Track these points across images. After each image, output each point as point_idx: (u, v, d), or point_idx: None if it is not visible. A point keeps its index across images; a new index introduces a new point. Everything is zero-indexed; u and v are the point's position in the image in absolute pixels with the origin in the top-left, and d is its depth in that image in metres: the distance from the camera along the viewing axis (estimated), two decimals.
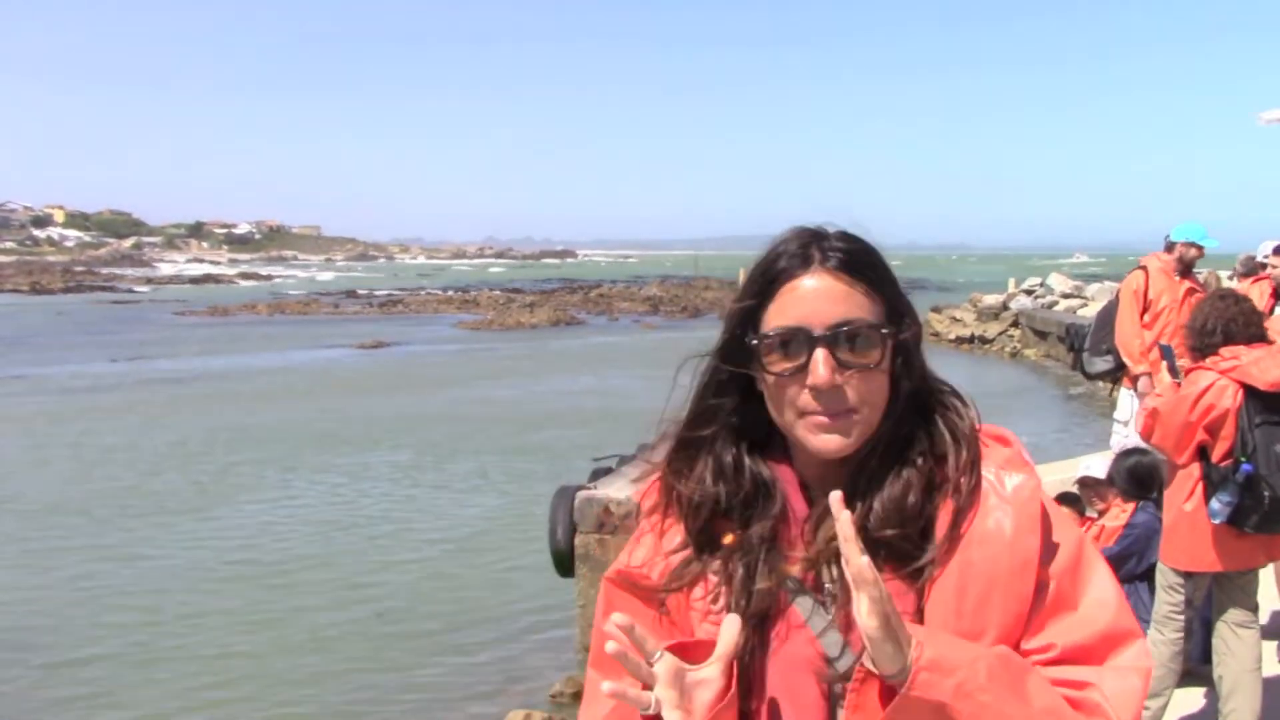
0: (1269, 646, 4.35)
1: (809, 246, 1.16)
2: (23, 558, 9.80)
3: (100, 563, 9.64)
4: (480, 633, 7.80)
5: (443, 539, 10.41)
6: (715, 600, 1.18)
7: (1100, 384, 8.21)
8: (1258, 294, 6.50)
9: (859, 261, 1.16)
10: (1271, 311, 6.15)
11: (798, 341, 1.12)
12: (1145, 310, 6.35)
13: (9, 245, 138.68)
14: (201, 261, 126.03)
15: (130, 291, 64.27)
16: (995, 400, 19.09)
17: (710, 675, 1.10)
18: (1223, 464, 3.72)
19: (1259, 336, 3.82)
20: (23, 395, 20.62)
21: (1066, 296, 28.39)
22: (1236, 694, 3.82)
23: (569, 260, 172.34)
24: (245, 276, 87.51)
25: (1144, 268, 6.51)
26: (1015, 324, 28.17)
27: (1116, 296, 6.68)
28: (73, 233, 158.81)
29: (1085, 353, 6.82)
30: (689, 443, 1.23)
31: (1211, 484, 3.74)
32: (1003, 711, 1.03)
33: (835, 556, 1.13)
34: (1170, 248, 6.45)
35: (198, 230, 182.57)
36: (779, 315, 1.15)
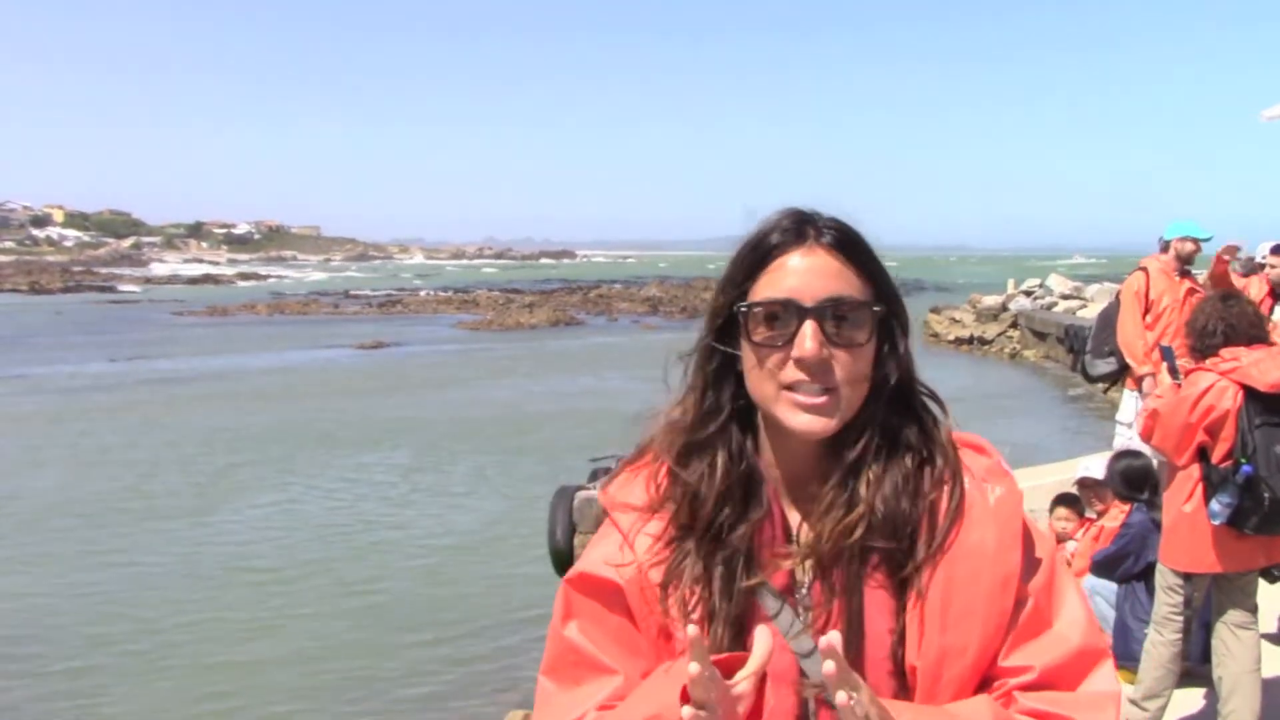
0: (1270, 648, 4.35)
1: (803, 224, 1.15)
2: (18, 561, 9.77)
3: (98, 567, 9.62)
4: (480, 633, 7.80)
5: (442, 540, 10.41)
6: (694, 605, 1.14)
7: (1100, 386, 8.21)
8: (1256, 289, 6.49)
9: (852, 242, 1.15)
10: (1271, 311, 6.15)
11: (787, 313, 1.11)
12: (1147, 311, 6.34)
13: (8, 245, 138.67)
14: (200, 261, 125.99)
15: (121, 292, 64.25)
16: (995, 401, 19.09)
17: (744, 690, 1.06)
18: (1223, 465, 3.72)
19: (1259, 338, 3.82)
20: (21, 395, 20.62)
21: (1066, 298, 28.41)
22: (1236, 695, 3.81)
23: (565, 261, 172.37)
24: (244, 277, 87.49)
25: (1144, 269, 6.50)
26: (1014, 325, 28.19)
27: (1117, 298, 6.67)
28: (72, 233, 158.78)
29: (1087, 356, 6.81)
30: (695, 445, 1.18)
31: (1211, 485, 3.74)
32: None
33: (812, 559, 1.12)
34: (1166, 247, 6.45)
35: (197, 230, 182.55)
36: (769, 288, 1.13)
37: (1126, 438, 6.43)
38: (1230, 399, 3.70)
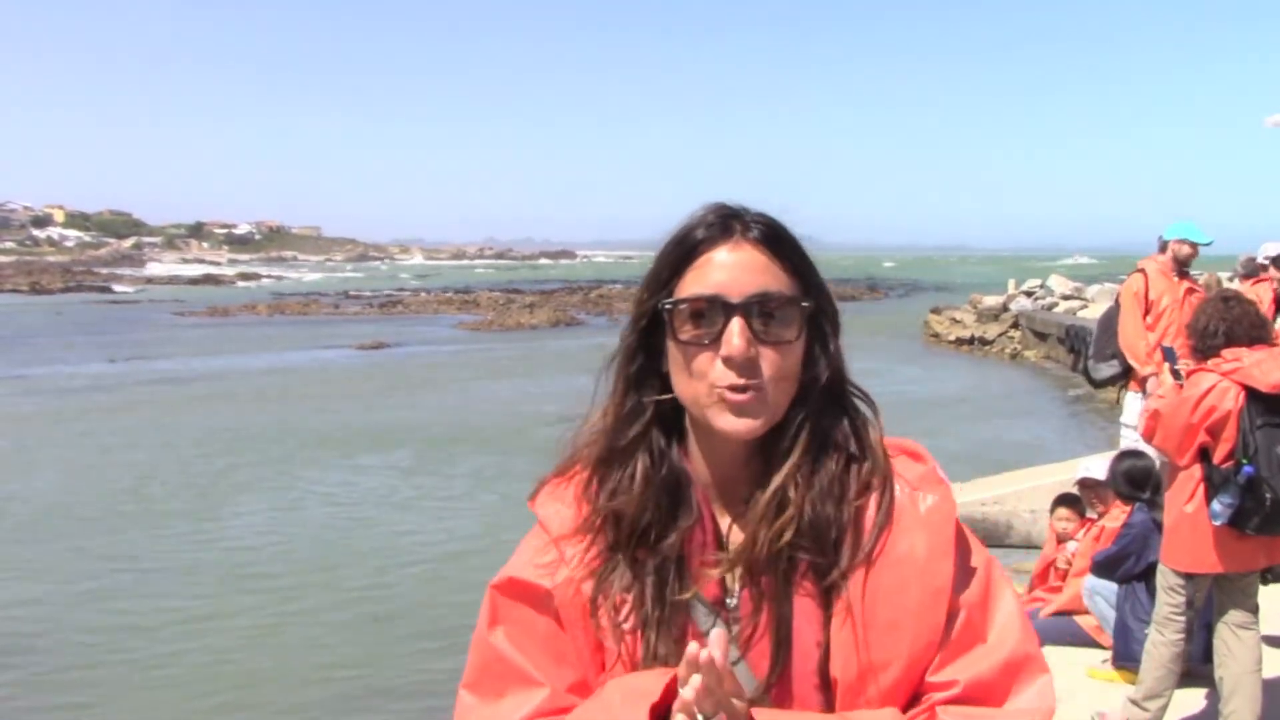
0: (1271, 649, 4.35)
1: (729, 219, 1.12)
2: (15, 565, 9.68)
3: (95, 570, 9.55)
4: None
5: (442, 543, 10.40)
6: (625, 614, 1.11)
7: (1100, 388, 8.20)
8: (1266, 294, 6.49)
9: (780, 238, 1.12)
10: (1274, 317, 6.14)
11: (714, 310, 1.07)
12: (1147, 312, 6.35)
13: (9, 245, 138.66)
14: (202, 262, 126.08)
15: (115, 292, 64.32)
16: (996, 402, 19.11)
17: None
18: (1224, 466, 3.72)
19: (1261, 338, 3.82)
20: (21, 395, 20.62)
21: (1066, 298, 28.44)
22: (1237, 695, 3.81)
23: (563, 261, 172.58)
24: (244, 277, 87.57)
25: (1143, 270, 6.51)
26: (1015, 325, 28.20)
27: (1117, 301, 6.68)
28: (73, 233, 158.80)
29: (1090, 360, 6.83)
30: (616, 450, 1.15)
31: (1213, 486, 3.74)
32: None
33: (741, 566, 1.09)
34: (1164, 248, 6.46)
35: (198, 231, 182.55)
36: (695, 284, 1.09)
37: (1131, 439, 6.43)
38: (1232, 399, 3.71)
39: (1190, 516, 3.82)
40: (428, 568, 9.59)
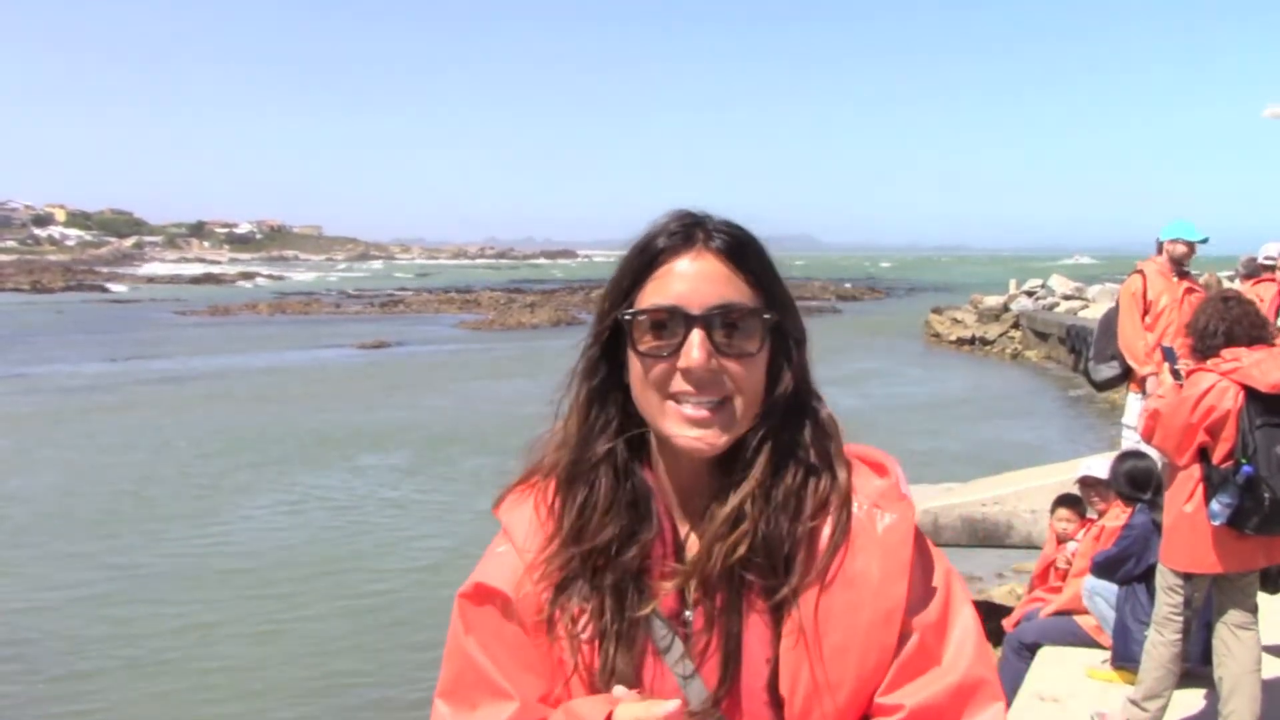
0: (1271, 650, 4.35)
1: (692, 228, 1.09)
2: (15, 565, 9.66)
3: (93, 570, 9.54)
4: None
5: (441, 543, 10.39)
6: (583, 626, 1.09)
7: (1104, 390, 8.22)
8: (1267, 294, 6.49)
9: (743, 248, 1.09)
10: (1278, 315, 6.15)
11: (674, 321, 1.05)
12: (1146, 312, 6.37)
13: (10, 244, 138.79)
14: (202, 261, 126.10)
15: (109, 291, 64.36)
16: (997, 402, 19.10)
17: None
18: (1223, 466, 3.72)
19: (1260, 338, 3.82)
20: (21, 395, 20.61)
21: (1067, 298, 28.44)
22: (1236, 695, 3.81)
23: (561, 261, 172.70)
24: (245, 276, 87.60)
25: (1141, 271, 6.54)
26: (1016, 325, 28.21)
27: (1117, 303, 6.70)
28: (74, 232, 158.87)
29: (1090, 362, 6.85)
30: (580, 463, 1.13)
31: (1212, 486, 3.74)
32: None
33: (696, 581, 1.07)
34: (1161, 248, 6.49)
35: (199, 230, 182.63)
36: (656, 294, 1.07)
37: (1133, 440, 6.45)
38: (1231, 399, 3.71)
39: (1189, 516, 3.82)
40: (426, 568, 9.58)
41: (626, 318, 1.08)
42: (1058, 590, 5.41)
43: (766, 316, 1.08)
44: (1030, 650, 5.03)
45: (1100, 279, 34.50)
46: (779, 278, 1.12)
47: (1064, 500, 5.70)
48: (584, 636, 1.09)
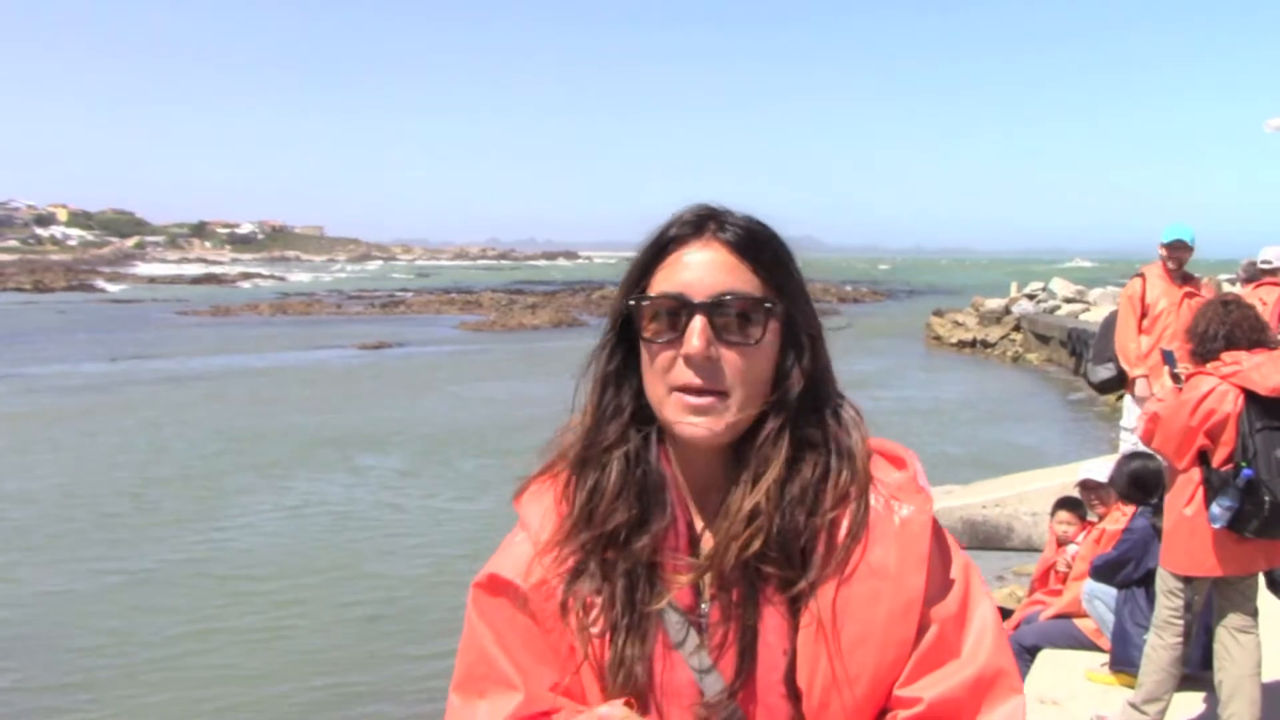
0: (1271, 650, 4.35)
1: (704, 219, 1.11)
2: (14, 567, 9.59)
3: (89, 573, 9.46)
4: None
5: (441, 545, 10.36)
6: (594, 617, 1.10)
7: (1105, 393, 8.25)
8: (1270, 297, 6.52)
9: (756, 241, 1.10)
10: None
11: (678, 309, 1.07)
12: (1144, 315, 6.41)
13: (12, 244, 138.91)
14: (203, 261, 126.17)
15: (96, 290, 64.39)
16: (998, 405, 19.09)
17: None
18: (1223, 469, 3.72)
19: (1260, 342, 3.82)
20: (21, 395, 20.60)
21: (1069, 301, 28.42)
22: (1236, 698, 3.82)
23: (560, 261, 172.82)
24: (245, 276, 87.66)
25: (1142, 274, 6.58)
26: (1017, 328, 28.18)
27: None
28: (76, 232, 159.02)
29: (1089, 363, 6.90)
30: (594, 451, 1.14)
31: (1212, 489, 3.74)
32: None
33: (711, 573, 1.08)
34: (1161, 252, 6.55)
35: (200, 230, 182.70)
36: (663, 282, 1.09)
37: (1131, 443, 6.47)
38: (1231, 403, 3.71)
39: (1189, 520, 3.82)
40: (426, 570, 9.54)
41: (633, 304, 1.11)
42: (1058, 593, 5.42)
43: (768, 306, 1.08)
44: (1030, 653, 5.04)
45: (1101, 282, 34.51)
46: (793, 272, 1.13)
47: (1064, 503, 5.70)
48: (594, 630, 1.10)
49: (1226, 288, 10.81)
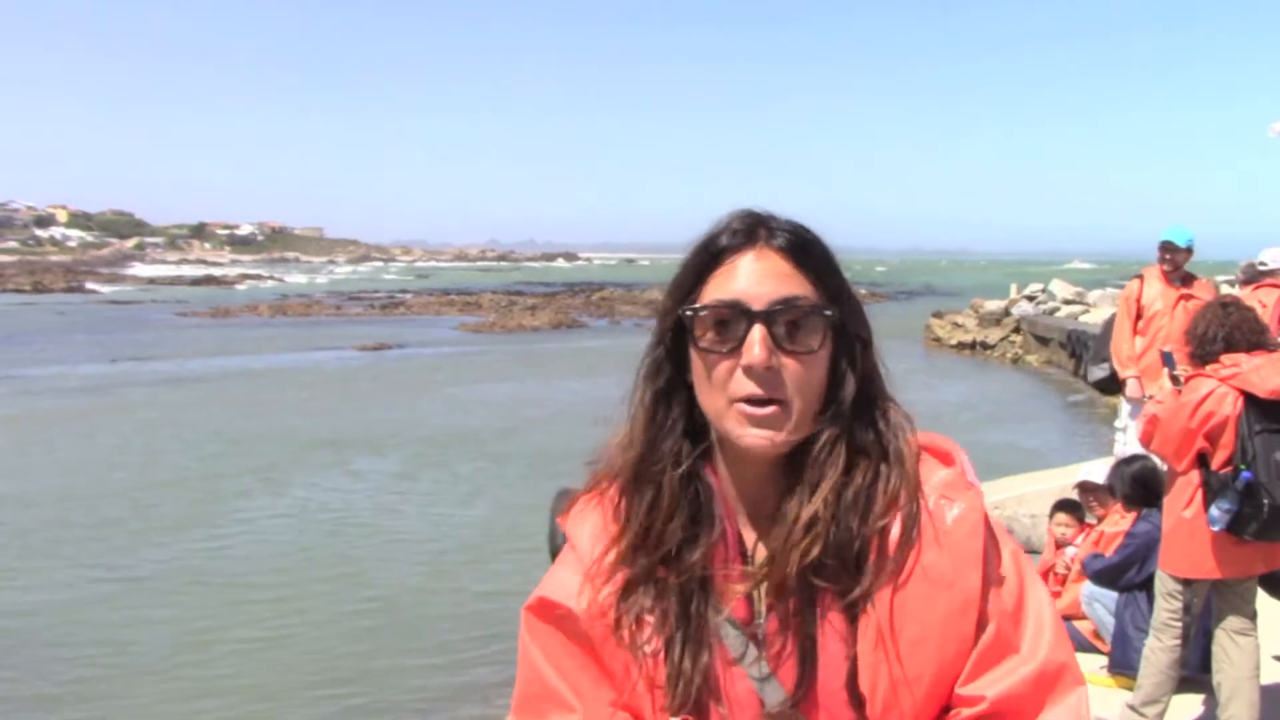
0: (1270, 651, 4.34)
1: (754, 226, 1.10)
2: (12, 570, 9.52)
3: (91, 578, 9.40)
4: (478, 637, 7.75)
5: (440, 548, 10.34)
6: (649, 635, 1.09)
7: (1105, 393, 8.27)
8: (1270, 299, 6.52)
9: (806, 245, 1.09)
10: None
11: (735, 317, 1.05)
12: (1140, 316, 6.44)
13: (12, 245, 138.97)
14: (203, 262, 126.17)
15: (88, 291, 64.44)
16: (997, 407, 19.10)
17: None
18: (1222, 471, 3.72)
19: (1260, 344, 3.82)
20: (20, 396, 20.57)
21: (1068, 303, 28.41)
22: (1234, 701, 3.81)
23: (559, 263, 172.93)
24: (246, 278, 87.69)
25: (1141, 276, 6.61)
26: (1017, 330, 28.18)
27: None
28: (75, 233, 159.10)
29: (1089, 363, 6.95)
30: (645, 466, 1.12)
31: (1211, 491, 3.73)
32: None
33: (767, 583, 1.07)
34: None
35: (200, 231, 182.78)
36: (718, 290, 1.07)
37: (1122, 444, 6.49)
38: (1230, 405, 3.70)
39: (1188, 522, 3.82)
40: (425, 573, 9.51)
41: (688, 314, 1.08)
42: (1056, 595, 5.41)
43: (828, 313, 1.07)
44: None
45: (1100, 283, 34.52)
46: (843, 277, 1.12)
47: (1063, 505, 5.70)
48: (649, 648, 1.09)
49: (1225, 290, 10.81)
